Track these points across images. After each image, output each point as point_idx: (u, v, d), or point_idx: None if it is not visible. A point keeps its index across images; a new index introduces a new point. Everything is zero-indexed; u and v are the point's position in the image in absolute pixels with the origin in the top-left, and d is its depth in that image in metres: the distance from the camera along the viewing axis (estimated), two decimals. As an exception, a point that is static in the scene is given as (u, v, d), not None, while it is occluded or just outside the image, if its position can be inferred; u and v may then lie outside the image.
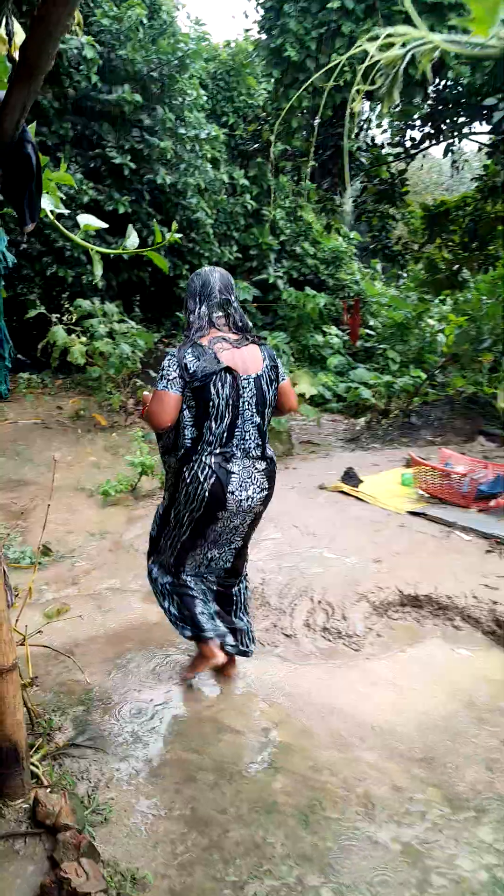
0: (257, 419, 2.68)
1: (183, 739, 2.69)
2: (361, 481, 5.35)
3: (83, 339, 7.93)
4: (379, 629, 3.53)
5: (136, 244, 2.23)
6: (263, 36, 7.13)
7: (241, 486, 2.67)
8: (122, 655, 3.33)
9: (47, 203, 2.10)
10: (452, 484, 4.81)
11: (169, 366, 2.57)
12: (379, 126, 8.81)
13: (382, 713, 2.88)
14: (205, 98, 12.10)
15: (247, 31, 10.33)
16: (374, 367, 10.90)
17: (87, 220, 2.22)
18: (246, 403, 2.64)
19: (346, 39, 6.15)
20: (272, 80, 7.33)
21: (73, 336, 7.97)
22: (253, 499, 2.72)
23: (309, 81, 5.99)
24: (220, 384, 2.55)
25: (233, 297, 2.70)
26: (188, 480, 2.66)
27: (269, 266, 13.96)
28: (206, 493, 2.63)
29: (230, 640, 2.95)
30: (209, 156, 12.08)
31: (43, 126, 9.49)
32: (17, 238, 8.32)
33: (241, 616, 3.08)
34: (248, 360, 2.65)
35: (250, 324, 2.80)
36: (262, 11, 6.97)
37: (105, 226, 2.24)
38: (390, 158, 10.01)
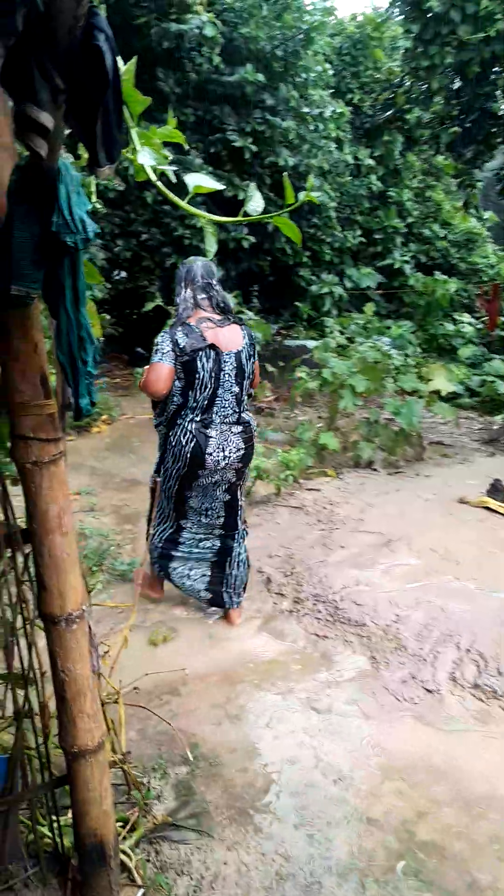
0: (235, 389, 3.12)
1: (303, 825, 2.18)
2: (511, 495, 4.59)
3: (199, 331, 7.59)
4: (546, 691, 2.84)
5: (259, 209, 1.70)
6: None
7: (218, 447, 3.11)
8: (233, 700, 2.86)
9: (146, 158, 1.62)
10: None
11: (163, 341, 3.03)
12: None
13: None
14: (330, 73, 11.42)
15: (378, -5, 9.53)
16: (512, 359, 9.84)
17: (198, 179, 1.71)
18: (226, 375, 3.08)
19: (502, -18, 5.32)
20: (409, 37, 6.56)
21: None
22: (229, 458, 3.15)
23: (453, 35, 5.23)
24: (205, 359, 3.01)
25: (214, 282, 3.15)
26: (173, 444, 3.13)
27: (395, 250, 13.08)
28: (188, 454, 3.10)
29: (204, 595, 3.44)
30: (333, 135, 11.40)
31: (164, 113, 9.24)
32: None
33: (238, 566, 3.42)
34: (230, 337, 3.10)
35: (232, 305, 3.22)
36: (400, -38, 6.25)
37: (220, 187, 1.73)
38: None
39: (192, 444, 3.08)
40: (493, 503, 4.51)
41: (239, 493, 3.35)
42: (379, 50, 12.99)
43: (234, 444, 3.16)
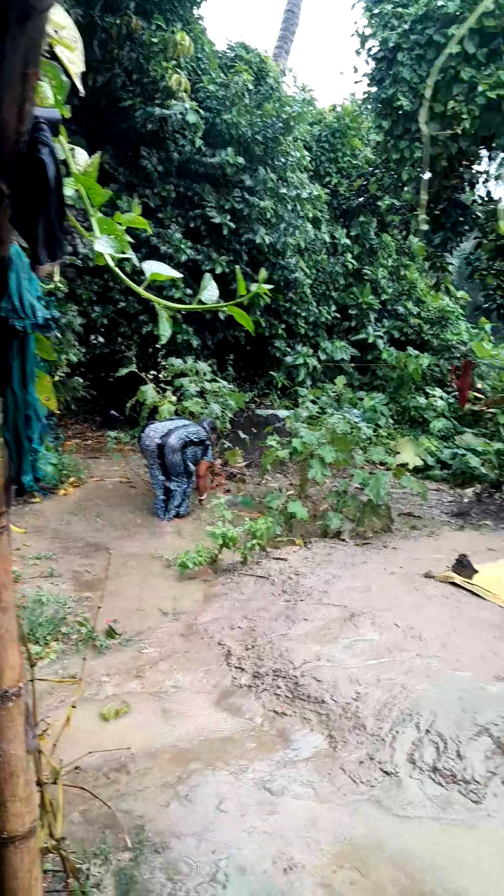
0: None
1: (250, 925, 2.07)
2: (476, 571, 4.61)
3: (173, 398, 7.68)
4: (505, 775, 2.78)
5: (214, 297, 1.76)
6: (373, 89, 6.83)
7: None
8: (185, 780, 2.76)
9: (103, 246, 1.68)
10: None
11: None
12: (498, 178, 8.23)
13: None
14: (308, 159, 12.02)
15: (356, 82, 10.12)
16: (482, 433, 10.05)
17: (155, 267, 1.77)
18: None
19: (466, 86, 5.71)
20: (381, 132, 6.98)
21: (165, 395, 7.73)
22: None
23: (421, 132, 5.59)
24: None
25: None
26: None
27: (369, 325, 13.47)
28: None
29: None
30: (310, 215, 11.91)
31: (146, 188, 9.62)
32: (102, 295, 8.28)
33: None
34: None
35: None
36: (373, 63, 6.69)
37: (178, 275, 1.79)
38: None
39: None
40: (458, 579, 4.52)
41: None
42: (357, 139, 13.76)
43: None
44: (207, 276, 1.90)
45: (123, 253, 1.85)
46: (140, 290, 1.78)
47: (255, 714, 3.26)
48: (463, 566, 4.60)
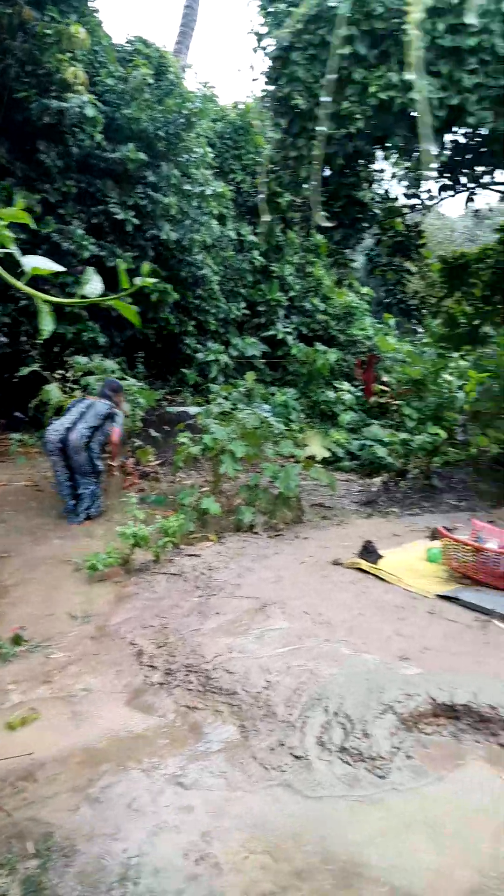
0: None
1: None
2: (381, 556, 4.76)
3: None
4: (408, 749, 2.89)
5: (97, 290, 1.74)
6: (271, 87, 6.92)
7: None
8: (95, 782, 2.71)
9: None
10: (487, 562, 4.21)
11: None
12: (394, 177, 8.54)
13: (422, 874, 2.24)
14: (212, 155, 12.03)
15: (254, 80, 10.30)
16: (389, 425, 10.40)
17: (36, 262, 1.72)
18: None
19: (359, 87, 5.87)
20: (279, 130, 7.08)
21: (73, 394, 7.54)
22: None
23: (318, 129, 5.71)
24: None
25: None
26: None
27: (278, 322, 13.66)
28: None
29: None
30: (216, 212, 11.93)
31: (46, 183, 9.35)
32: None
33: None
34: None
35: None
36: (269, 62, 6.78)
37: (60, 269, 1.75)
38: (405, 210, 9.73)
39: None
40: (364, 564, 4.65)
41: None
42: (260, 136, 13.89)
43: None
44: (89, 269, 1.87)
45: (3, 247, 1.80)
46: (19, 284, 1.73)
47: (168, 710, 3.25)
48: (369, 552, 4.75)
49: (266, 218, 8.34)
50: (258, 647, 3.62)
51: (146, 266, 1.75)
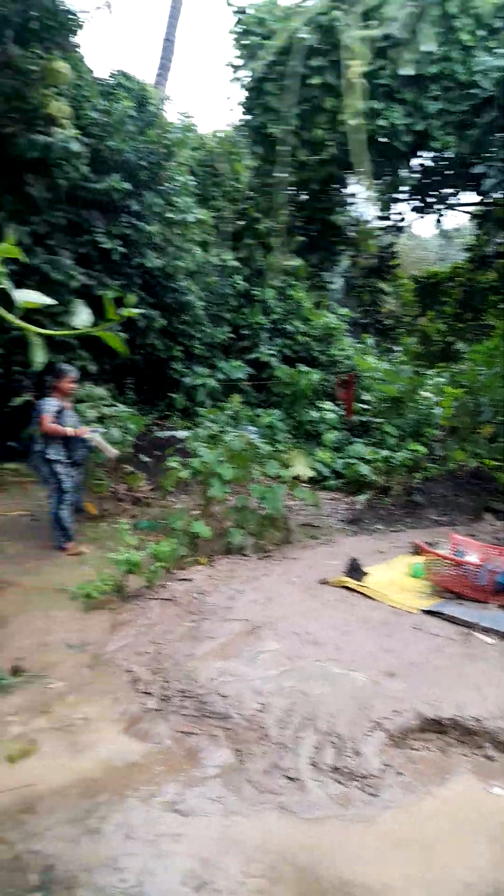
0: None
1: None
2: (366, 573, 4.87)
3: (70, 425, 7.59)
4: (398, 765, 2.99)
5: (86, 323, 1.85)
6: (247, 117, 7.14)
7: None
8: (94, 812, 2.77)
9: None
10: (467, 576, 4.33)
11: None
12: (367, 199, 8.78)
13: (414, 893, 2.32)
14: (193, 183, 12.28)
15: (231, 110, 10.65)
16: (371, 442, 10.56)
17: (29, 296, 1.83)
18: None
19: (330, 115, 6.09)
20: (256, 157, 7.29)
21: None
22: None
23: (293, 157, 5.91)
24: None
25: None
26: None
27: (262, 344, 13.86)
28: None
29: None
30: (198, 239, 12.14)
31: (34, 215, 9.51)
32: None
33: None
34: None
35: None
36: (245, 92, 7.00)
37: (51, 302, 1.85)
38: (378, 232, 9.98)
39: None
40: (351, 582, 4.76)
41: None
42: (239, 164, 14.18)
43: None
44: (78, 301, 1.98)
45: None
46: (11, 317, 1.83)
47: (164, 737, 3.31)
48: (354, 570, 4.86)
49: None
50: (250, 670, 3.71)
51: (130, 297, 1.87)
